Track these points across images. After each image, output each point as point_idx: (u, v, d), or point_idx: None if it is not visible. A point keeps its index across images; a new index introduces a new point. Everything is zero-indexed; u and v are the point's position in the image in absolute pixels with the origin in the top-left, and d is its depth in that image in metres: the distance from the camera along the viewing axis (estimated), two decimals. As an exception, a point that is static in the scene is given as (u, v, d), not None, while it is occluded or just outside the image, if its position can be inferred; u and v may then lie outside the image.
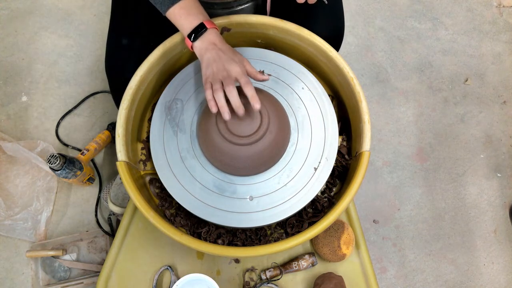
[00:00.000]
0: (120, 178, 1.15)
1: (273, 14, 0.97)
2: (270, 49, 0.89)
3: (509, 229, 1.34)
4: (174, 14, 0.74)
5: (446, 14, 1.62)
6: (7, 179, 1.31)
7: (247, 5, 1.00)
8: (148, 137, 0.88)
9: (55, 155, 1.11)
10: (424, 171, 1.40)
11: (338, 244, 0.83)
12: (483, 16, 1.63)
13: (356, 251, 0.86)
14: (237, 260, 0.86)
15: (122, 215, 0.90)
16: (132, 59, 0.82)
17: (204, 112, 0.80)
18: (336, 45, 0.93)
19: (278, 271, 0.84)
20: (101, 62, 1.50)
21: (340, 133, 0.88)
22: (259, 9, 1.04)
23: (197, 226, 0.83)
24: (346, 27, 1.30)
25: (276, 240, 0.84)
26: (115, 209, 1.10)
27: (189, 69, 0.87)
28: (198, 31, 0.73)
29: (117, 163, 0.76)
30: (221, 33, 0.88)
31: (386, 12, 1.61)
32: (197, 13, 0.74)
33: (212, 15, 0.98)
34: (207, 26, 0.73)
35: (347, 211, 0.87)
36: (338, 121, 0.87)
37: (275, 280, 0.84)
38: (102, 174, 1.34)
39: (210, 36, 0.73)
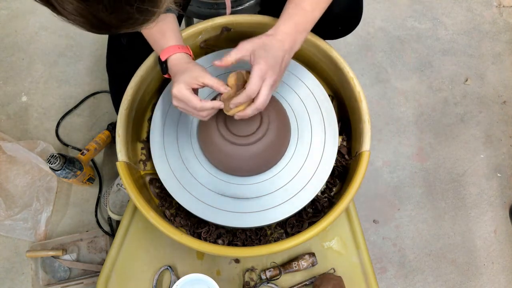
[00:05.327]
0: (119, 181, 1.16)
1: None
2: (270, 49, 0.88)
3: (509, 229, 1.34)
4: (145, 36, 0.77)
5: (446, 14, 1.62)
6: (7, 179, 1.31)
7: (247, 5, 1.00)
8: (148, 137, 0.88)
9: (55, 155, 1.11)
10: (424, 171, 1.39)
11: None
12: (483, 16, 1.63)
13: (356, 251, 0.86)
14: (237, 260, 0.86)
15: (122, 215, 0.90)
16: (132, 59, 0.82)
17: (204, 112, 0.80)
18: (355, 19, 0.87)
19: (277, 271, 0.84)
20: (101, 62, 1.50)
21: (340, 133, 0.88)
22: (259, 9, 1.04)
23: (197, 226, 0.83)
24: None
25: (276, 240, 0.84)
26: (114, 217, 1.10)
27: (189, 69, 0.86)
28: (162, 67, 0.75)
29: (117, 163, 0.76)
30: (221, 33, 0.88)
31: (386, 12, 1.61)
32: (159, 39, 0.75)
33: (212, 15, 0.98)
34: (162, 58, 0.73)
35: (347, 211, 0.87)
36: (338, 121, 0.86)
37: (274, 280, 0.84)
38: (102, 174, 1.34)
39: (169, 65, 0.74)
